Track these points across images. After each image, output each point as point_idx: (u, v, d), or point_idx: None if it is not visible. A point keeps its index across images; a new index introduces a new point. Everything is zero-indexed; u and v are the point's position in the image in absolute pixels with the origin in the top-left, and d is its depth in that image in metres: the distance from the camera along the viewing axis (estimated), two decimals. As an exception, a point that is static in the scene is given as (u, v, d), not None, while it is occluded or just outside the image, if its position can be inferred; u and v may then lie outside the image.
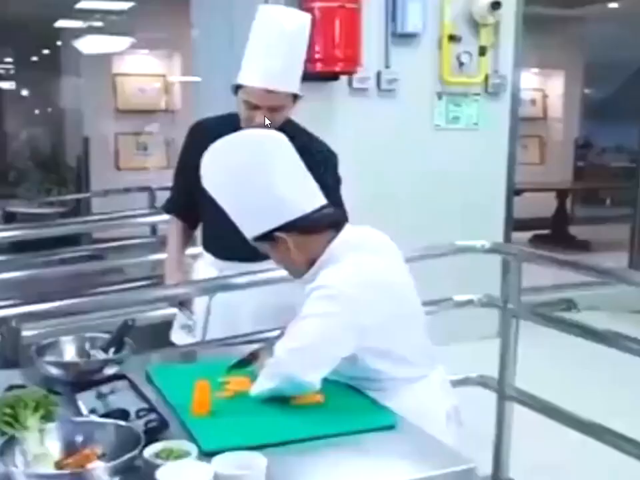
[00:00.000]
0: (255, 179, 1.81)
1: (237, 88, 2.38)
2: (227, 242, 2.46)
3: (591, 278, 3.03)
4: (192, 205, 2.57)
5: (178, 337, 2.67)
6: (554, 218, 9.05)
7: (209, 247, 2.63)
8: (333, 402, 1.80)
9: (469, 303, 2.82)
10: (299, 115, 4.19)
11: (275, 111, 2.36)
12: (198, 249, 2.75)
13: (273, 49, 2.29)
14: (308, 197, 1.86)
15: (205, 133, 2.50)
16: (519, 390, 2.84)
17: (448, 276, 3.59)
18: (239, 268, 2.53)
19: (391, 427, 1.70)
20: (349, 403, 1.81)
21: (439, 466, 1.58)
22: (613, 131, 10.29)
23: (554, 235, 8.89)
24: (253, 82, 2.31)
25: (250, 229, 1.88)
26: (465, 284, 3.11)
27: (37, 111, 11.30)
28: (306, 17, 2.37)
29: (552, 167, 10.32)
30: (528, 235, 8.64)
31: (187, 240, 2.72)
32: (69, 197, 8.90)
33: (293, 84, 2.37)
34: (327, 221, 1.88)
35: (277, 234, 1.83)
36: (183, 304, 2.61)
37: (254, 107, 2.34)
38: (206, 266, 2.63)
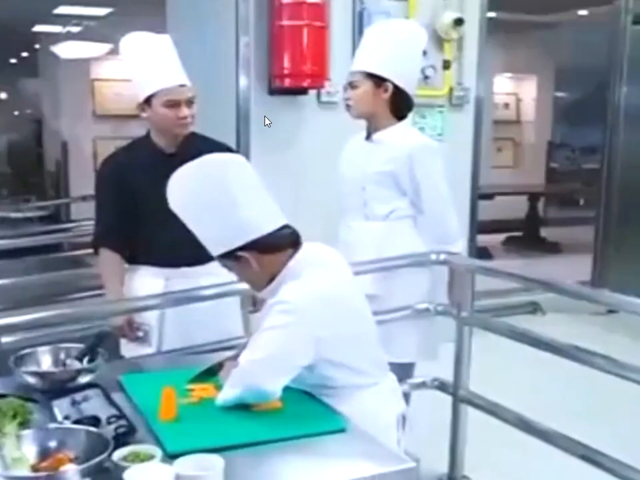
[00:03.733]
0: (219, 200, 1.92)
1: (146, 103, 2.67)
2: (172, 249, 2.69)
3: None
4: (123, 233, 2.76)
5: (129, 349, 2.80)
6: (526, 220, 9.22)
7: (151, 258, 2.77)
8: (290, 408, 1.93)
9: (426, 311, 2.96)
10: (273, 127, 4.36)
11: (189, 105, 2.68)
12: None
13: (162, 58, 2.67)
14: (269, 217, 1.97)
15: (116, 165, 2.81)
16: (473, 393, 2.99)
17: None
18: (185, 273, 2.74)
19: (341, 431, 1.84)
20: (305, 409, 1.95)
21: (382, 465, 1.71)
22: (584, 134, 10.50)
23: (526, 237, 9.06)
24: (169, 82, 2.64)
25: (214, 247, 1.99)
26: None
27: (15, 114, 11.34)
28: (165, 37, 2.76)
29: (525, 169, 10.52)
30: (501, 237, 8.84)
31: (123, 272, 2.84)
32: (49, 202, 8.96)
33: (188, 80, 2.70)
34: (287, 240, 2.00)
35: (240, 253, 1.94)
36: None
37: (175, 104, 2.64)
38: (149, 277, 2.77)
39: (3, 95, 11.53)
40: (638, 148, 6.04)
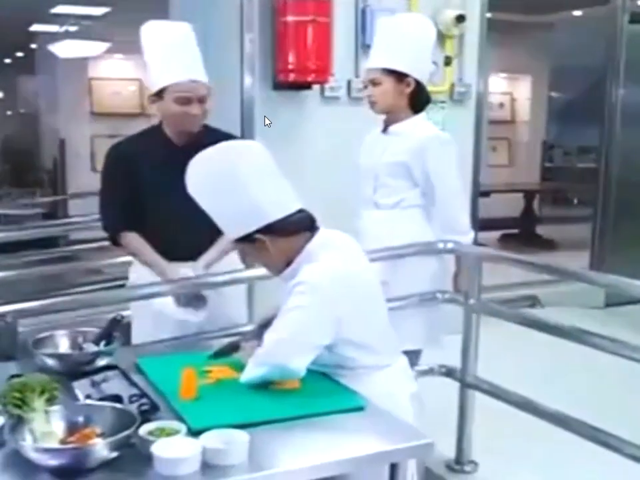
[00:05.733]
0: (236, 185, 1.97)
1: (157, 95, 2.61)
2: (173, 244, 2.67)
3: (550, 277, 3.26)
4: (134, 217, 2.70)
5: (139, 335, 2.79)
6: (521, 218, 9.29)
7: (157, 250, 2.70)
8: (309, 387, 1.98)
9: (433, 298, 3.01)
10: (276, 121, 4.40)
11: (202, 102, 2.62)
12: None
13: (178, 50, 2.60)
14: (285, 201, 2.03)
15: (127, 152, 2.74)
16: (480, 378, 3.05)
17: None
18: (189, 266, 2.69)
19: (360, 409, 1.89)
20: (323, 388, 2.00)
21: (401, 441, 1.77)
22: (579, 133, 10.57)
23: (521, 234, 9.13)
24: (180, 77, 2.57)
25: (232, 231, 2.05)
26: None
27: (13, 113, 11.35)
28: (186, 25, 2.69)
29: (520, 168, 10.59)
30: (497, 234, 8.89)
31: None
32: (49, 199, 8.97)
33: (205, 75, 2.64)
34: (303, 224, 2.05)
35: (257, 236, 2.00)
36: None
37: (186, 101, 2.58)
38: (148, 269, 2.72)
39: (0, 94, 11.53)
40: (635, 147, 6.11)
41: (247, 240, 2.03)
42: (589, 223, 6.56)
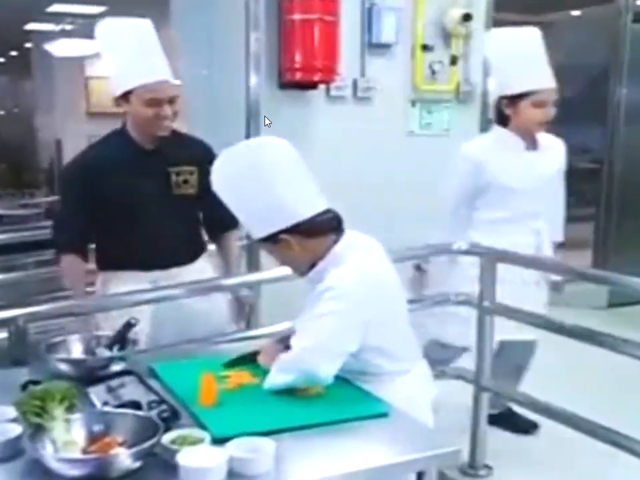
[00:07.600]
0: (264, 183, 1.92)
1: (122, 98, 2.47)
2: (160, 249, 2.57)
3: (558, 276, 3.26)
4: (89, 240, 2.64)
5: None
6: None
7: (136, 261, 2.61)
8: (332, 393, 1.94)
9: (447, 300, 2.98)
10: (282, 121, 4.36)
11: (172, 103, 2.49)
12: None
13: (142, 50, 2.44)
14: (312, 201, 1.97)
15: (89, 165, 2.58)
16: (494, 382, 3.02)
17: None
18: (173, 274, 2.62)
19: (384, 415, 1.85)
20: (346, 394, 1.96)
21: (428, 448, 1.73)
22: (577, 133, 10.54)
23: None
24: (147, 79, 2.43)
25: (257, 230, 2.00)
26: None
27: (8, 112, 11.28)
28: (147, 22, 2.51)
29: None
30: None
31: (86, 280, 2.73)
32: (47, 199, 8.90)
33: (171, 75, 2.52)
34: (329, 225, 2.00)
35: (282, 236, 1.95)
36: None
37: (156, 102, 2.45)
38: (133, 283, 2.59)
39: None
40: (638, 146, 6.10)
41: (271, 240, 1.98)
42: (588, 223, 6.56)
